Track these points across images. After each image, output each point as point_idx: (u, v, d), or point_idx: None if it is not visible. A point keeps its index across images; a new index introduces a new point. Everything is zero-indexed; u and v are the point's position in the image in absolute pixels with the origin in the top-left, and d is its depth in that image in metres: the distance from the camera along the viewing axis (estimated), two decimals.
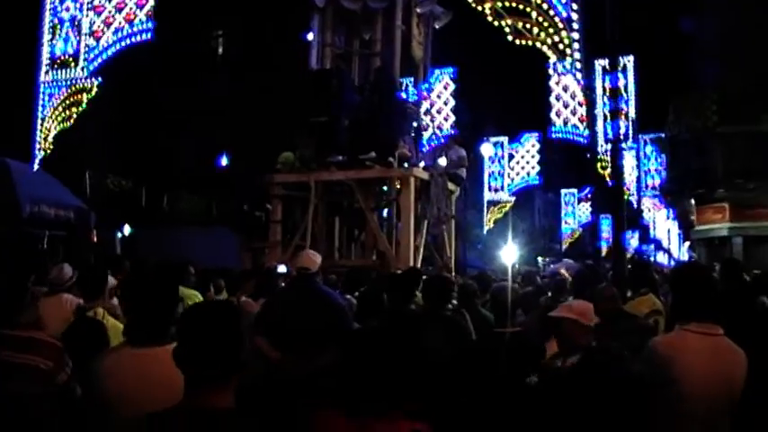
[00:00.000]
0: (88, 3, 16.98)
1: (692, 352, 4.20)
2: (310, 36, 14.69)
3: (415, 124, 15.11)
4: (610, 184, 13.37)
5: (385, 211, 14.90)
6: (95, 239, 14.96)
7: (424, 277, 7.84)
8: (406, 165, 13.36)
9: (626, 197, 32.69)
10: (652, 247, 46.31)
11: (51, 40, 17.36)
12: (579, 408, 3.92)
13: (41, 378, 3.67)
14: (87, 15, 16.97)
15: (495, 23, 13.41)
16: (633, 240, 44.38)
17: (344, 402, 2.71)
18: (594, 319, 5.01)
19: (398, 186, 13.51)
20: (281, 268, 9.02)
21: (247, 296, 7.89)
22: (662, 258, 46.74)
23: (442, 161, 14.46)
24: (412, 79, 17.07)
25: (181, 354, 2.64)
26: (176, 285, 3.81)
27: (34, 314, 7.27)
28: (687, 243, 45.31)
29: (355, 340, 2.93)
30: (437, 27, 15.40)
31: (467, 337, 6.28)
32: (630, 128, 32.43)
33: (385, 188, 14.28)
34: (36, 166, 16.35)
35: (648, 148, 37.66)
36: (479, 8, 13.38)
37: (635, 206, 37.02)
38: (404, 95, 16.95)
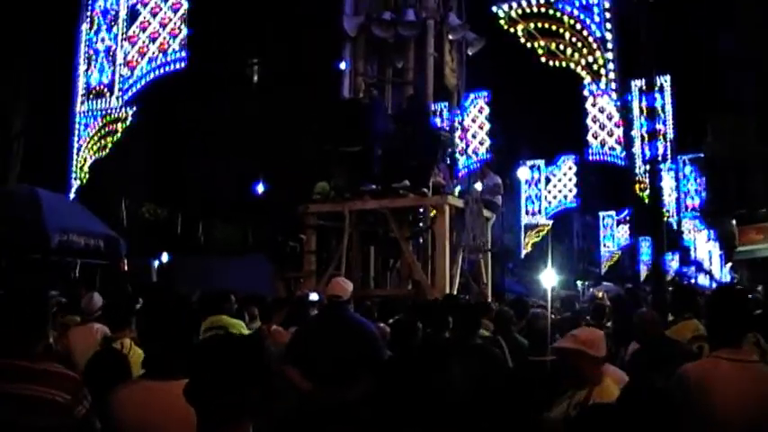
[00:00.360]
0: (123, 34, 17.15)
1: (724, 380, 3.98)
2: (342, 65, 14.67)
3: (449, 151, 14.96)
4: (648, 205, 13.11)
5: (421, 240, 14.75)
6: (126, 268, 14.95)
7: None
8: (440, 192, 13.22)
9: (665, 219, 32.35)
10: (693, 269, 45.59)
11: (87, 70, 17.56)
12: None
13: (58, 411, 3.57)
14: (122, 46, 17.16)
15: (528, 45, 13.29)
16: (674, 262, 43.73)
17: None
18: (603, 349, 4.67)
19: (433, 215, 13.36)
20: (314, 296, 8.91)
21: (278, 325, 7.76)
22: (703, 280, 46.02)
23: (478, 186, 14.31)
24: (446, 104, 16.97)
25: (192, 391, 2.50)
26: (194, 317, 3.69)
27: (62, 343, 7.26)
28: (729, 264, 44.56)
29: (386, 371, 2.78)
30: (470, 54, 15.30)
31: (499, 365, 6.10)
32: (669, 148, 32.14)
33: (420, 217, 14.13)
34: (72, 195, 16.47)
35: (687, 169, 37.21)
36: (512, 30, 13.28)
37: (675, 227, 36.54)
38: (438, 121, 16.87)
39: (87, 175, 17.10)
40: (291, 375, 6.38)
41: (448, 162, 14.56)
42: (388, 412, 2.25)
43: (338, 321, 6.62)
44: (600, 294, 13.84)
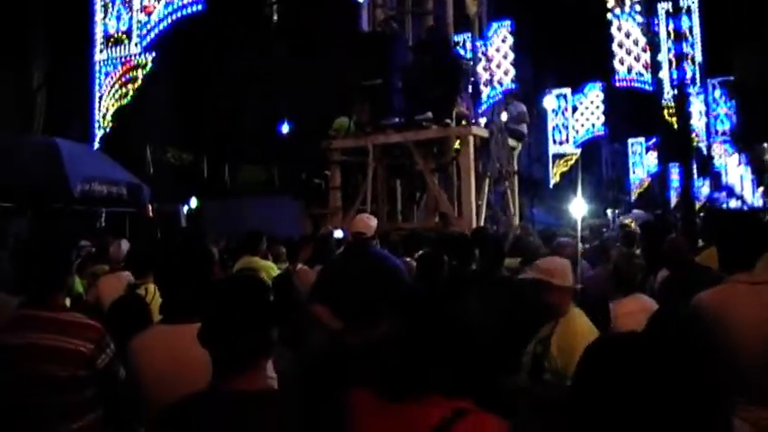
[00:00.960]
0: None
1: (741, 303, 3.88)
2: None
3: (471, 80, 14.73)
4: (677, 131, 12.89)
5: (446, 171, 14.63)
6: (151, 214, 15.01)
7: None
8: (464, 123, 13.06)
9: (696, 144, 31.98)
10: (724, 194, 45.16)
11: (104, 18, 17.44)
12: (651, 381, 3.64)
13: (81, 361, 3.56)
14: None
15: None
16: (704, 188, 43.32)
17: (377, 381, 2.50)
18: (569, 277, 4.60)
19: (458, 145, 13.22)
20: (338, 233, 8.87)
21: (304, 263, 7.75)
22: (735, 205, 45.61)
23: (503, 116, 14.12)
24: (469, 34, 16.68)
25: (205, 334, 2.46)
26: (208, 259, 3.65)
27: (91, 292, 7.31)
28: (761, 189, 44.08)
29: (411, 306, 2.70)
30: None
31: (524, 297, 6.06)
32: (697, 72, 31.62)
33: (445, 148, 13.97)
34: (96, 145, 16.51)
35: (717, 93, 36.64)
36: None
37: (705, 153, 36.12)
38: (461, 51, 16.60)
39: (111, 124, 17.10)
40: (320, 314, 6.37)
41: (470, 91, 14.33)
42: (415, 349, 2.20)
43: (363, 258, 6.58)
44: (629, 221, 13.64)
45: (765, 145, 34.46)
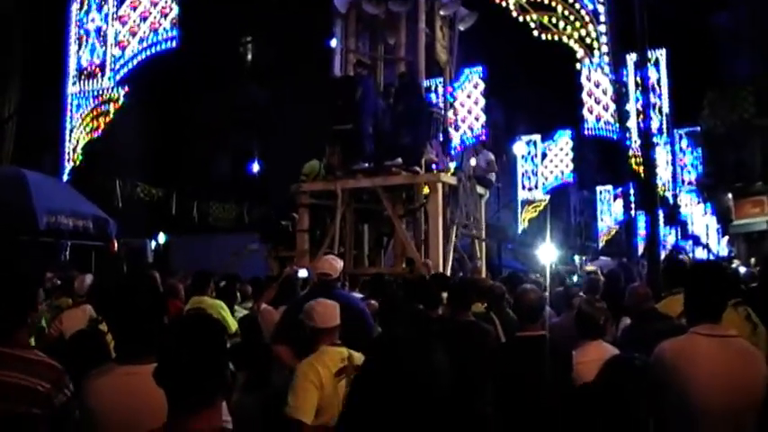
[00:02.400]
0: (113, 13, 17.02)
1: (702, 356, 3.95)
2: (333, 42, 14.50)
3: (441, 127, 14.84)
4: (643, 180, 13.05)
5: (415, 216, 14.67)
6: (116, 249, 14.93)
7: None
8: (433, 170, 13.14)
9: (662, 193, 32.33)
10: (690, 243, 45.59)
11: (78, 51, 17.45)
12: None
13: (38, 400, 3.52)
14: (113, 26, 17.07)
15: (521, 19, 13.17)
16: (671, 237, 43.70)
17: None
18: (324, 319, 5.09)
19: (426, 192, 13.28)
20: (303, 273, 8.85)
21: (269, 303, 7.73)
22: (701, 254, 45.98)
23: (472, 162, 14.22)
24: (440, 80, 16.83)
25: (160, 373, 2.46)
26: (160, 297, 3.62)
27: (55, 326, 7.24)
28: (726, 238, 44.58)
29: (369, 349, 2.72)
30: (462, 29, 15.13)
31: (486, 343, 6.08)
32: (665, 122, 32.10)
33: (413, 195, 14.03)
34: (66, 177, 16.42)
35: (684, 143, 37.15)
36: (503, 4, 13.16)
37: (672, 202, 36.50)
38: (432, 97, 16.74)
39: (81, 157, 17.03)
40: (281, 354, 6.34)
41: (441, 139, 14.43)
42: (371, 392, 2.21)
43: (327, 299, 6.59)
44: (592, 269, 13.74)
45: (730, 195, 34.90)
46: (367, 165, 12.93)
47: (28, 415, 3.48)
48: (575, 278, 15.58)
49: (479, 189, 14.17)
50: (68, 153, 17.07)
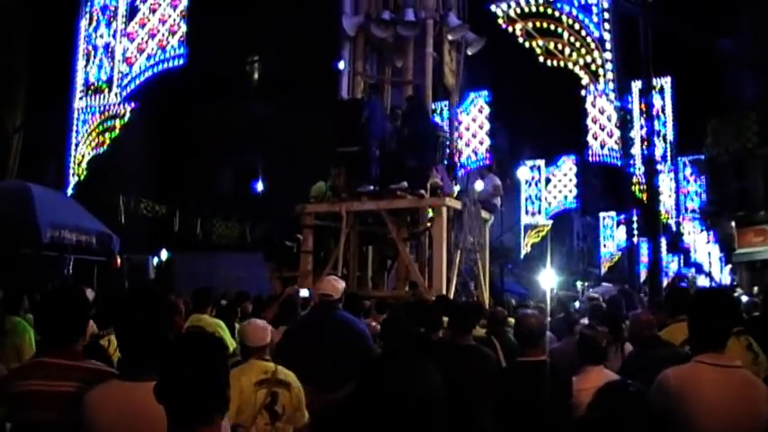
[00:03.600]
0: (122, 30, 17.10)
1: (705, 386, 3.94)
2: (341, 65, 14.55)
3: (447, 152, 14.85)
4: (646, 207, 13.06)
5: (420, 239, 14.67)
6: (119, 265, 14.93)
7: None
8: (438, 194, 13.15)
9: (665, 220, 32.33)
10: (693, 270, 45.55)
11: (86, 66, 17.51)
12: None
13: None
14: (121, 42, 17.11)
15: (527, 45, 13.22)
16: (673, 264, 43.66)
17: None
18: (257, 338, 5.49)
19: (431, 216, 13.28)
20: (304, 293, 8.84)
21: (269, 323, 7.70)
22: (703, 282, 45.93)
23: (478, 186, 14.23)
24: (446, 103, 16.88)
25: (161, 389, 2.46)
26: (164, 315, 3.63)
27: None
28: (728, 266, 44.51)
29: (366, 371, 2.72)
30: (470, 53, 15.18)
31: (486, 367, 6.06)
32: (669, 150, 32.15)
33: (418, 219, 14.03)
34: (70, 192, 16.45)
35: (687, 171, 37.20)
36: (510, 29, 13.21)
37: (674, 229, 36.48)
38: (438, 120, 16.76)
39: (85, 172, 17.05)
40: None
41: (446, 163, 14.45)
42: (366, 415, 2.20)
43: (328, 320, 6.58)
44: (593, 294, 13.73)
45: (732, 224, 34.87)
46: (372, 187, 12.93)
47: None
48: (576, 304, 15.55)
49: (484, 214, 14.17)
50: (73, 167, 17.09)
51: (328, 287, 6.78)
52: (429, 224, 13.29)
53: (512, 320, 7.58)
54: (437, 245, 12.59)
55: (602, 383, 4.70)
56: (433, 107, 15.72)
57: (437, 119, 17.29)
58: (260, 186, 28.24)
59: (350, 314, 6.97)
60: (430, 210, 13.25)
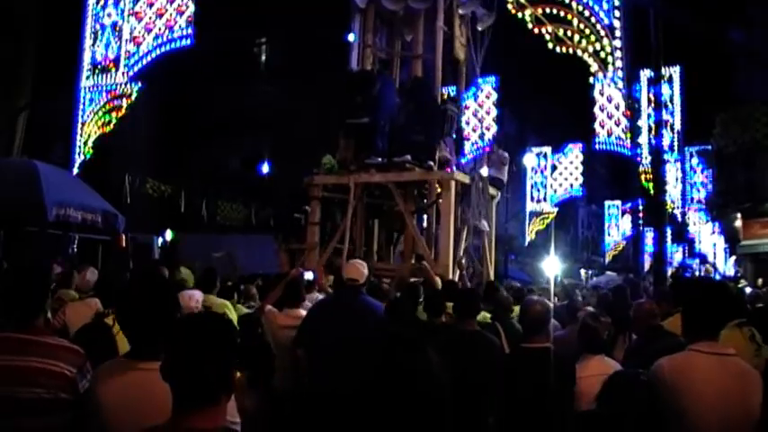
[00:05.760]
0: (129, 9, 17.05)
1: (699, 374, 3.97)
2: (351, 37, 14.47)
3: (455, 126, 14.77)
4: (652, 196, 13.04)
5: (425, 217, 14.65)
6: (124, 244, 14.94)
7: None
8: (446, 167, 13.11)
9: (671, 210, 32.27)
10: (697, 261, 45.52)
11: (93, 45, 17.48)
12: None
13: (67, 385, 3.56)
14: (128, 21, 17.07)
15: (536, 31, 13.15)
16: (678, 254, 43.67)
17: None
18: None
19: (439, 190, 13.24)
20: (308, 275, 8.85)
21: (273, 304, 7.71)
22: (707, 273, 45.89)
23: (484, 171, 14.19)
24: (455, 88, 16.80)
25: (166, 369, 2.47)
26: (171, 296, 3.62)
27: (58, 318, 7.25)
28: (733, 258, 44.45)
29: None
30: (480, 29, 15.09)
31: (492, 353, 6.06)
32: (676, 140, 32.09)
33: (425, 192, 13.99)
34: (76, 170, 16.45)
35: (694, 161, 37.12)
36: (519, 15, 13.14)
37: (680, 219, 36.42)
38: (445, 93, 16.68)
39: (91, 151, 17.05)
40: (301, 360, 6.46)
41: (454, 137, 14.38)
42: (372, 400, 2.21)
43: (353, 305, 6.61)
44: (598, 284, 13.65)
45: (738, 215, 34.79)
46: (380, 160, 12.89)
47: (56, 399, 3.52)
48: (578, 292, 15.54)
49: (491, 190, 14.13)
50: (79, 146, 17.09)
51: (354, 272, 6.81)
52: (437, 198, 13.24)
53: (516, 308, 7.57)
54: (444, 218, 12.56)
55: (605, 372, 4.73)
56: (442, 91, 15.64)
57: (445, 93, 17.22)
58: (266, 169, 28.21)
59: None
60: (438, 185, 13.20)
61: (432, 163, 12.69)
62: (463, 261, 12.99)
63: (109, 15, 17.37)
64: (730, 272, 44.16)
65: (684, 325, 4.35)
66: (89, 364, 3.70)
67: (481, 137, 22.22)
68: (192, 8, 16.18)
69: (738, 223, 34.87)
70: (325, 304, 7.24)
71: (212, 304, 7.99)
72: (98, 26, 17.48)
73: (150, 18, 16.71)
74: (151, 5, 16.76)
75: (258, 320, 7.38)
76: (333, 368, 6.22)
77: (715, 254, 47.32)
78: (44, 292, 3.99)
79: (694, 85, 33.37)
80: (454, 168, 13.20)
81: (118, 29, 17.18)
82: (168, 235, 24.40)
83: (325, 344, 6.41)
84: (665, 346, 5.25)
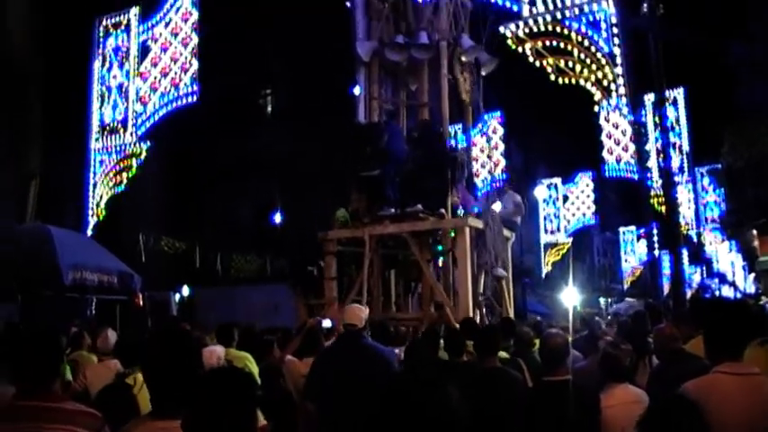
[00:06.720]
0: (134, 70, 17.28)
1: (725, 395, 3.90)
2: (357, 90, 14.59)
3: (466, 171, 14.83)
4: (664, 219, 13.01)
5: (440, 261, 14.62)
6: (141, 303, 14.97)
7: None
8: (459, 212, 13.15)
9: (686, 232, 32.14)
10: (716, 281, 45.22)
11: (100, 107, 17.69)
12: None
13: None
14: (134, 82, 17.28)
15: (537, 64, 13.23)
16: (696, 275, 43.41)
17: None
18: None
19: (453, 236, 13.25)
20: (326, 323, 8.84)
21: (293, 354, 7.71)
22: (727, 292, 45.55)
23: (497, 206, 14.19)
24: (461, 126, 16.88)
25: (189, 425, 2.47)
26: (194, 353, 3.61)
27: (79, 380, 7.26)
28: (752, 275, 44.14)
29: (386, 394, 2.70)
30: (484, 74, 15.20)
31: (512, 388, 6.03)
32: (685, 161, 32.05)
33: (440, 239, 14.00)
34: (89, 232, 16.55)
35: (705, 181, 37.05)
36: (519, 49, 13.24)
37: (695, 240, 36.25)
38: (453, 143, 16.76)
39: (104, 212, 17.17)
40: (310, 412, 6.41)
41: (465, 182, 14.43)
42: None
43: (354, 349, 6.58)
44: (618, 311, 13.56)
45: (754, 231, 34.58)
46: (393, 210, 12.93)
47: None
48: (598, 320, 15.45)
49: (505, 232, 14.14)
50: (92, 208, 17.22)
51: (352, 317, 6.78)
52: (451, 244, 13.24)
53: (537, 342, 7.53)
54: (461, 264, 12.55)
55: (630, 400, 4.69)
56: (450, 130, 15.71)
57: (452, 141, 17.30)
58: (278, 218, 28.30)
59: (377, 342, 6.96)
60: (452, 231, 13.22)
61: (443, 210, 12.73)
62: (482, 303, 12.97)
63: (115, 77, 17.62)
64: (751, 289, 43.83)
65: (707, 347, 4.30)
66: (108, 427, 3.69)
67: (490, 172, 22.33)
68: (196, 65, 16.38)
69: (755, 240, 34.67)
70: (327, 353, 7.20)
71: (234, 358, 7.97)
72: (104, 89, 17.72)
73: (155, 77, 16.93)
74: (155, 65, 16.98)
75: (279, 370, 7.37)
76: (343, 414, 6.19)
77: (734, 272, 47.02)
78: (58, 356, 3.98)
79: (699, 104, 33.42)
80: (466, 210, 13.24)
81: (124, 90, 17.40)
82: (185, 291, 24.45)
83: (333, 391, 6.38)
84: (688, 370, 5.20)
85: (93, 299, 14.75)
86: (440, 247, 13.92)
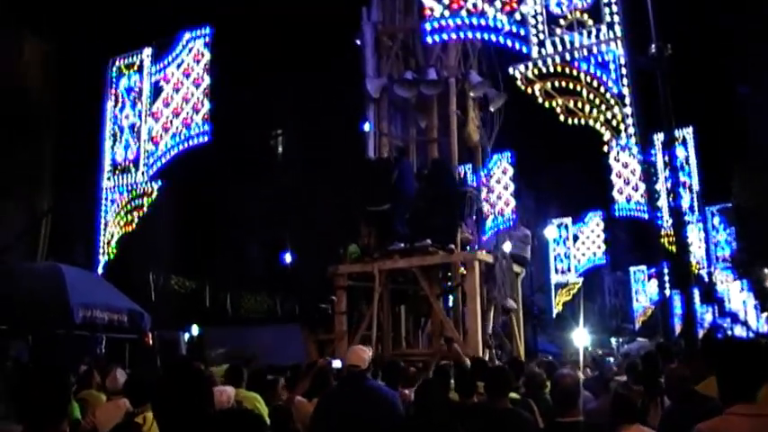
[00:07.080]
0: (147, 110, 17.41)
1: None
2: (366, 126, 14.69)
3: (475, 207, 14.86)
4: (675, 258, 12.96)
5: (450, 298, 14.61)
6: (151, 342, 14.99)
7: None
8: (468, 249, 13.17)
9: (697, 271, 31.98)
10: (728, 320, 44.89)
11: (112, 147, 17.80)
12: None
13: None
14: (146, 122, 17.40)
15: (546, 104, 13.28)
16: (708, 315, 43.09)
17: None
18: None
19: (463, 271, 13.25)
20: (336, 364, 8.82)
21: (302, 395, 7.69)
22: (740, 331, 45.24)
23: (507, 247, 14.20)
24: (470, 166, 16.92)
25: None
26: (206, 392, 3.59)
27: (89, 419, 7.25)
28: (765, 314, 43.89)
29: None
30: (492, 110, 15.28)
31: (523, 430, 5.99)
32: (695, 200, 31.98)
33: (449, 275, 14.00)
34: (100, 271, 16.59)
35: (716, 220, 36.96)
36: (529, 90, 13.29)
37: (707, 279, 36.07)
38: (462, 178, 16.80)
39: (115, 250, 17.21)
40: None
41: (475, 218, 14.47)
42: None
43: (357, 391, 6.55)
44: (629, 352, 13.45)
45: (766, 270, 34.47)
46: (403, 245, 12.97)
47: None
48: (611, 360, 15.37)
49: (516, 268, 14.14)
50: (102, 247, 17.27)
51: (355, 358, 6.77)
52: (461, 279, 13.23)
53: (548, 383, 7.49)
54: (471, 299, 12.56)
55: None
56: (459, 170, 15.78)
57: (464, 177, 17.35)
58: (288, 258, 28.32)
59: (383, 383, 6.93)
60: (461, 267, 13.22)
61: (453, 246, 12.75)
62: (491, 340, 12.94)
63: (127, 117, 17.74)
64: (763, 328, 43.54)
65: (720, 388, 4.27)
66: None
67: (500, 213, 22.29)
68: (207, 106, 16.49)
69: (767, 279, 34.55)
70: (331, 395, 7.16)
71: (244, 398, 7.95)
72: (117, 128, 17.85)
73: (167, 118, 17.04)
74: (167, 105, 17.10)
75: (289, 412, 7.34)
76: None
77: (746, 311, 46.72)
78: (66, 395, 3.97)
79: (708, 143, 33.43)
80: (476, 247, 13.26)
81: (136, 130, 17.51)
82: (194, 330, 24.43)
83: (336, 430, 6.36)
84: (700, 411, 5.18)
85: (103, 337, 14.78)
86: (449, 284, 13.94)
